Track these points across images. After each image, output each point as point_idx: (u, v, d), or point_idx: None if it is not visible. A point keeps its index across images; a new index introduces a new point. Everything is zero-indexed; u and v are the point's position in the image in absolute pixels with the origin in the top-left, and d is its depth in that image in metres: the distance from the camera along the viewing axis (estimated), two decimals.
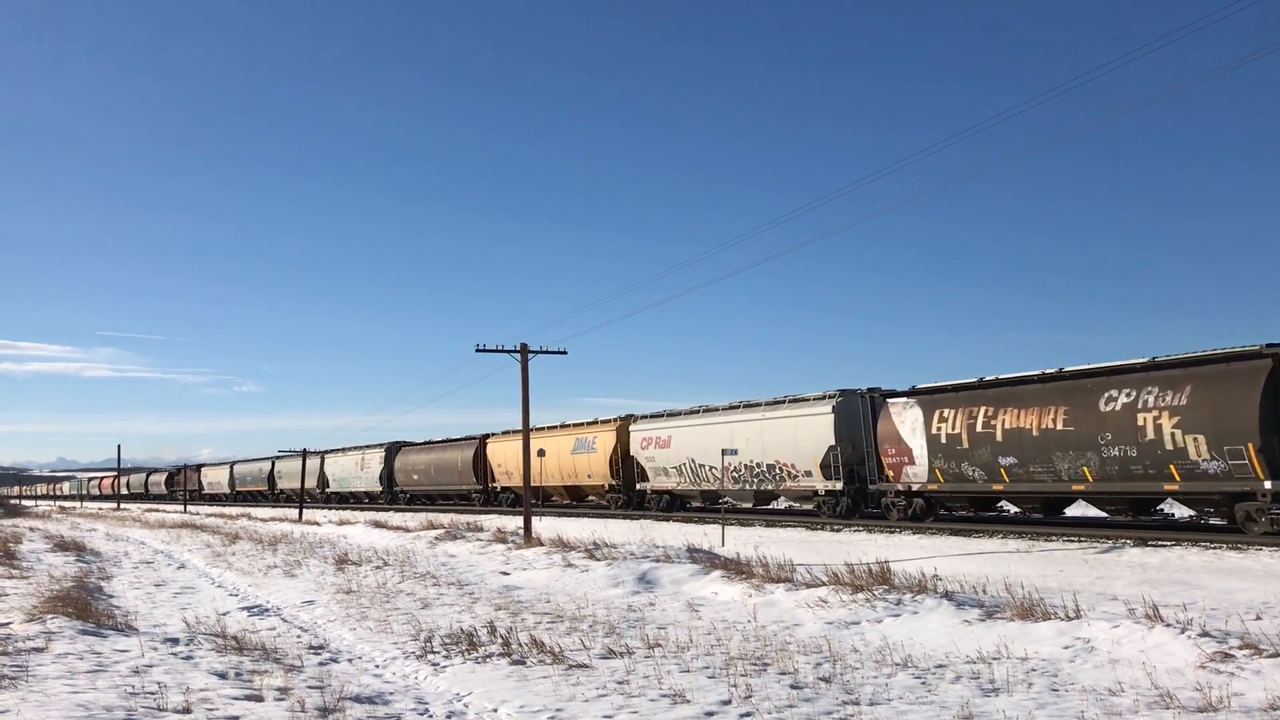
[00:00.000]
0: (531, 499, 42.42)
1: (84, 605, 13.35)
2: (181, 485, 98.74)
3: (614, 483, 38.45)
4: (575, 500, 43.69)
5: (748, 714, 7.33)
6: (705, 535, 24.84)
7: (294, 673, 9.10)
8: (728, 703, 7.67)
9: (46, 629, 11.09)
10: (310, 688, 8.38)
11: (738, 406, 32.75)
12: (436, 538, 24.49)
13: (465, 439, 50.80)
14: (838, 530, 25.92)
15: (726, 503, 33.99)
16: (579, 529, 27.20)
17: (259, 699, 7.95)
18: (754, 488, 31.44)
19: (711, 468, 32.53)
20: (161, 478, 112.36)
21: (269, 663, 9.56)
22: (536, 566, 17.66)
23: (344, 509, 58.01)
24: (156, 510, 72.52)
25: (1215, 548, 17.99)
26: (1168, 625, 9.13)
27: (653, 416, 37.10)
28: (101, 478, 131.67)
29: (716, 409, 33.71)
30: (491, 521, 30.41)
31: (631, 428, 37.53)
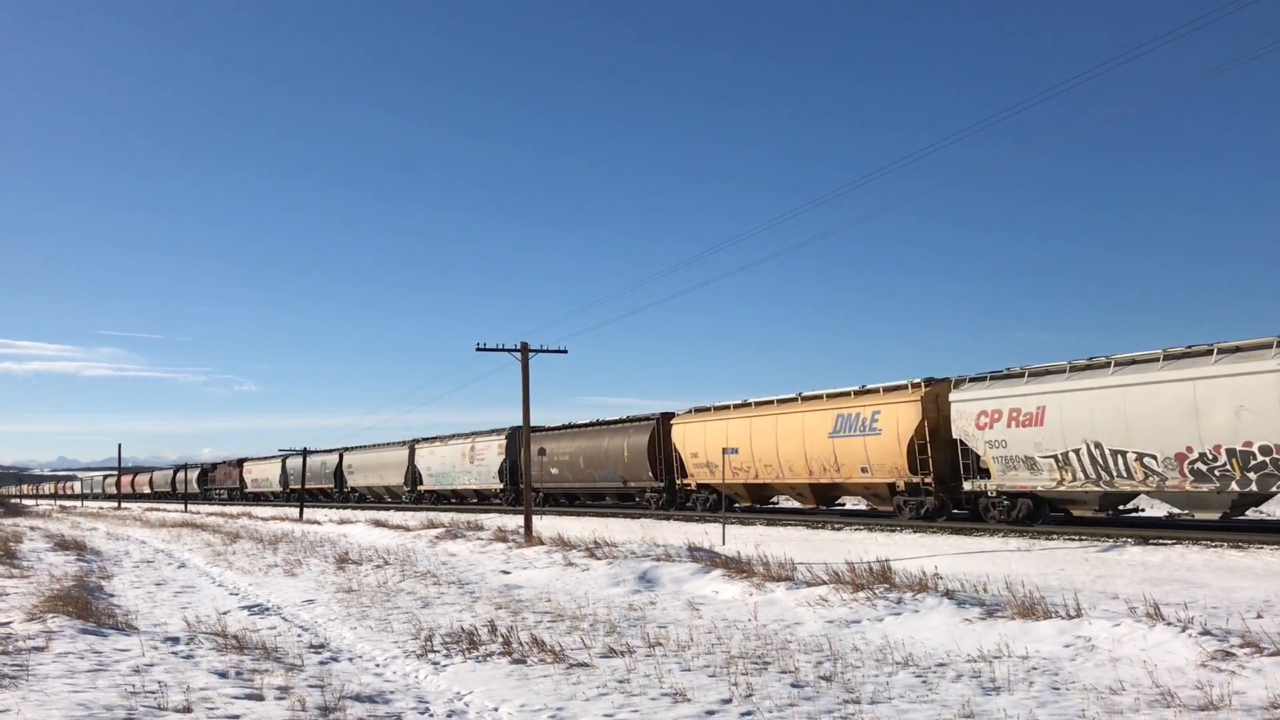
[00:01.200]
0: (749, 501, 32.30)
1: (84, 604, 13.34)
2: (218, 483, 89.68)
3: (916, 479, 25.50)
4: (822, 504, 30.47)
5: (749, 713, 7.32)
6: (706, 534, 24.83)
7: (294, 672, 9.09)
8: (728, 701, 7.66)
9: (47, 628, 11.08)
10: (310, 687, 8.37)
11: (1203, 351, 19.64)
12: (437, 536, 24.49)
13: (632, 420, 38.25)
14: (838, 529, 25.88)
15: (1133, 510, 23.36)
16: (579, 528, 27.21)
17: (259, 698, 7.94)
18: (1246, 487, 18.91)
19: (1138, 456, 20.27)
20: (194, 474, 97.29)
21: (269, 662, 9.56)
22: (537, 565, 17.65)
23: (442, 509, 47.13)
24: (157, 509, 72.50)
25: (1216, 546, 17.98)
26: (1169, 624, 9.12)
27: (993, 378, 24.06)
28: (118, 475, 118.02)
29: (1152, 359, 20.61)
30: (492, 520, 30.41)
31: (953, 396, 24.62)
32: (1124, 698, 7.40)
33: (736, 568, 14.82)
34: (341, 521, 37.93)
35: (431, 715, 7.65)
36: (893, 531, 24.35)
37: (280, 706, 7.64)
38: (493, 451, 48.06)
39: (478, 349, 26.36)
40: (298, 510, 50.46)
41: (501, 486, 46.92)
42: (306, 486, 67.33)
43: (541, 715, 7.48)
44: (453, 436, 52.68)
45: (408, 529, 28.77)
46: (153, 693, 7.94)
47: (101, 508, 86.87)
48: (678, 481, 35.00)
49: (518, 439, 42.59)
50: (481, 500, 50.11)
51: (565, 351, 27.97)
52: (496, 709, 7.74)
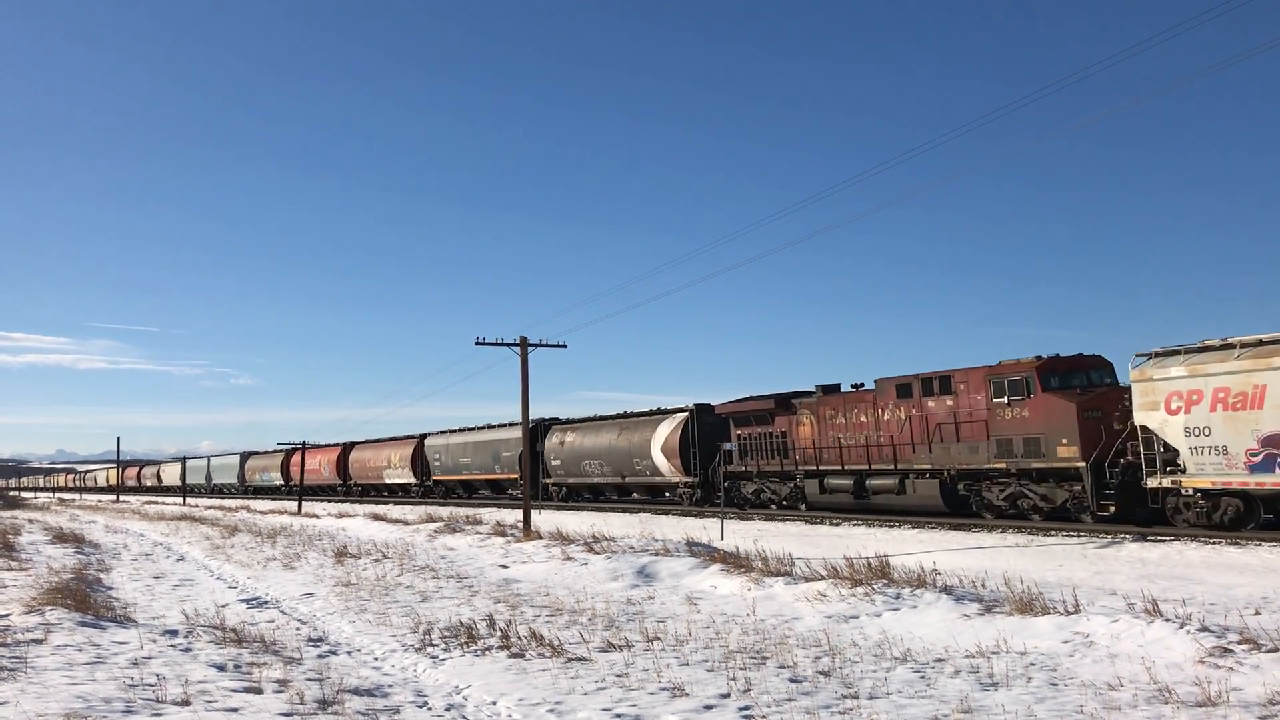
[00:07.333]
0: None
1: (83, 597, 13.34)
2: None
3: None
4: None
5: (746, 707, 7.33)
6: (704, 529, 24.82)
7: (293, 665, 9.10)
8: (726, 696, 7.66)
9: (45, 621, 11.08)
10: (309, 680, 8.37)
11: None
12: (436, 530, 24.49)
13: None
14: (836, 524, 25.89)
15: None
16: (578, 522, 27.19)
17: (258, 691, 7.94)
18: None
19: None
20: (406, 453, 54.55)
21: (268, 655, 9.56)
22: (536, 560, 17.65)
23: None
24: (156, 503, 72.45)
25: (1214, 543, 17.98)
26: (1167, 620, 9.12)
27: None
28: (286, 452, 68.91)
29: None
30: (491, 515, 30.42)
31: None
32: (1122, 694, 7.40)
33: (735, 563, 14.82)
34: (340, 515, 37.93)
35: (430, 709, 7.65)
36: (891, 527, 24.38)
37: (279, 699, 7.64)
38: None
39: (477, 343, 26.31)
40: (296, 503, 50.50)
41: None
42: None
43: (540, 709, 7.48)
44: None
45: (406, 523, 28.76)
46: (151, 685, 7.94)
47: (99, 500, 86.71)
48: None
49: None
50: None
51: (564, 346, 27.85)
52: (495, 703, 7.74)
